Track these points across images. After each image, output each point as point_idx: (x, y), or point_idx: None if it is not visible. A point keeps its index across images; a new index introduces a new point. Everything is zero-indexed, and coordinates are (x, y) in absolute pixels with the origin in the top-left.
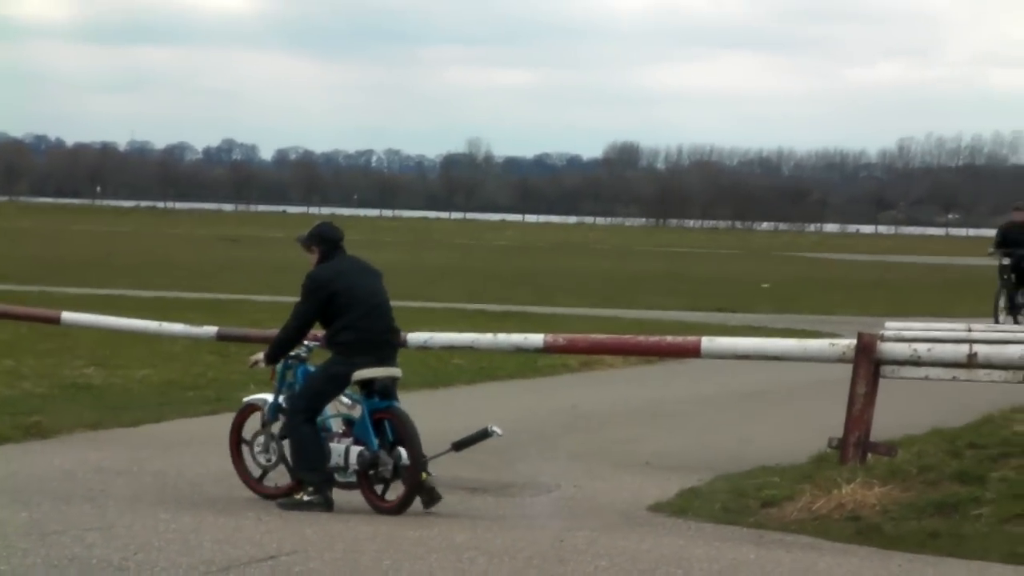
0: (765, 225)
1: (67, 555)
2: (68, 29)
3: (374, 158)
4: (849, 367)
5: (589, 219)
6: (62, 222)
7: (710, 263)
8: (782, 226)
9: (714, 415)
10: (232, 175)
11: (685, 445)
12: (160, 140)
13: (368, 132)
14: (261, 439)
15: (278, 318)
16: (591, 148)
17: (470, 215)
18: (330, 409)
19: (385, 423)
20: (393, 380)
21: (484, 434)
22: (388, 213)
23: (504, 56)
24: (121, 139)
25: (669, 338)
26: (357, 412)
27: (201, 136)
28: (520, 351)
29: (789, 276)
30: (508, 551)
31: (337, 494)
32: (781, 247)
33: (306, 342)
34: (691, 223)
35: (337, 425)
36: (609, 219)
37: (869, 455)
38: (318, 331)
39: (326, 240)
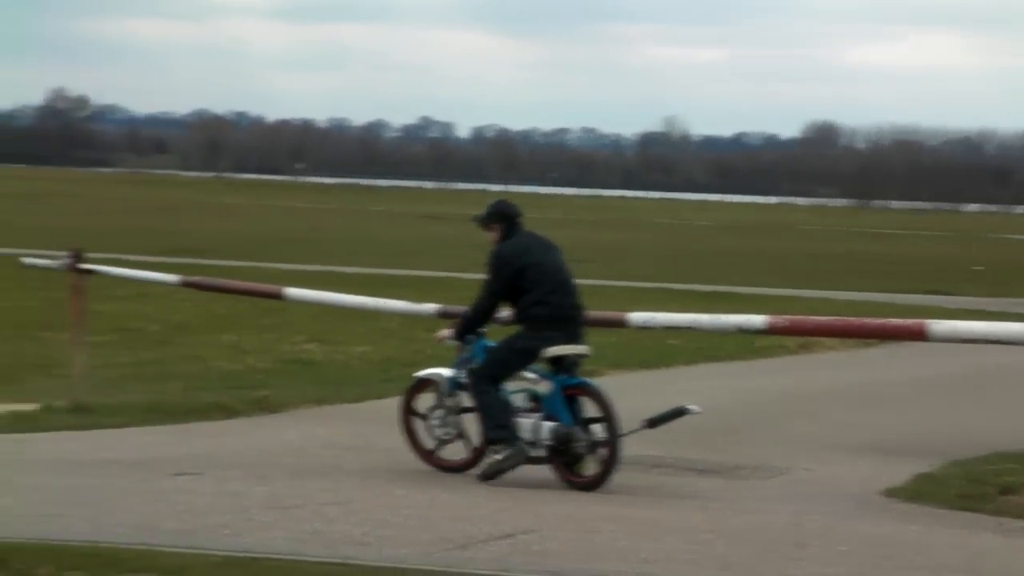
0: (972, 207)
1: (308, 529)
2: (268, 7)
3: (570, 136)
4: None
5: (790, 199)
6: (267, 198)
7: (917, 245)
8: (989, 208)
9: (937, 399)
10: (430, 152)
11: (911, 429)
12: (358, 117)
13: (564, 110)
14: (439, 413)
15: None
16: (789, 127)
17: (667, 194)
18: (514, 384)
19: (577, 399)
20: (580, 357)
21: (680, 412)
22: (585, 191)
23: (701, 34)
24: (319, 115)
25: (894, 320)
26: (542, 387)
27: (397, 113)
28: (741, 332)
29: (1001, 258)
30: (744, 534)
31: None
32: (990, 229)
33: None
34: (894, 204)
35: (522, 400)
36: (810, 199)
37: None
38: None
39: (506, 217)
